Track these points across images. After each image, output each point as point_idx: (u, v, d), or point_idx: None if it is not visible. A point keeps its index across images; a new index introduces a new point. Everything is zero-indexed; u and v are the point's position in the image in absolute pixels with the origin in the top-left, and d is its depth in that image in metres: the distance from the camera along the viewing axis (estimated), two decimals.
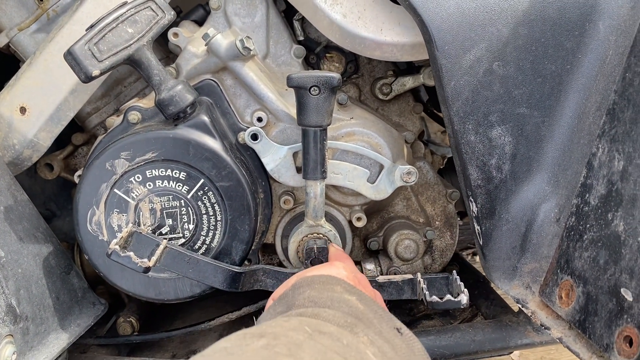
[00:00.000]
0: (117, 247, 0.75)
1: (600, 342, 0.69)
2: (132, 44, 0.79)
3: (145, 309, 1.15)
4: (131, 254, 0.75)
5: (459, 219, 1.21)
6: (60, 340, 0.90)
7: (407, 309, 1.14)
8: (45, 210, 1.38)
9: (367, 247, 1.07)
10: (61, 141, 1.15)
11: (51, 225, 1.33)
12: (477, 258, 2.04)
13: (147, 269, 0.76)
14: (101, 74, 0.78)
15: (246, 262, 0.95)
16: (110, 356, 1.02)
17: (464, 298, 0.79)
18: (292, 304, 0.62)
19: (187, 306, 1.23)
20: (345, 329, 0.55)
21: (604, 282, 0.70)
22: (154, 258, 0.77)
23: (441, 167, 1.30)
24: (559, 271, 0.80)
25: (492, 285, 1.15)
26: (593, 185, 0.77)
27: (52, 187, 1.36)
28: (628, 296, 0.66)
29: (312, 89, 0.82)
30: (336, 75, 0.82)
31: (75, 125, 1.12)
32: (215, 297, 1.25)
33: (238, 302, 1.04)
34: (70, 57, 0.76)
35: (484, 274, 1.20)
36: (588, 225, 0.76)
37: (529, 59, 0.83)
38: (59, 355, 0.91)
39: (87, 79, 0.77)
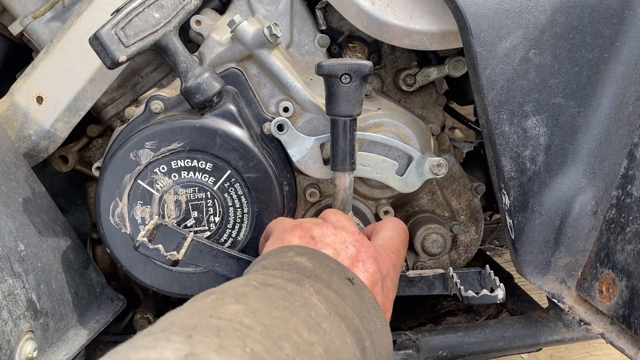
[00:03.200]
0: (144, 239, 0.73)
1: None
2: (159, 29, 0.76)
3: (162, 305, 1.12)
4: (160, 246, 0.72)
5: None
6: (80, 336, 0.87)
7: (429, 305, 1.12)
8: None
9: None
10: (75, 133, 1.13)
11: None
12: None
13: (175, 262, 0.73)
14: (128, 59, 0.75)
15: None
16: None
17: (500, 293, 0.76)
18: (245, 274, 0.65)
19: None
20: (292, 282, 0.58)
21: None
22: (182, 251, 0.74)
23: (460, 161, 1.28)
24: (598, 265, 0.77)
25: (517, 280, 1.13)
26: (636, 176, 0.75)
27: (61, 181, 1.33)
28: None
29: (343, 77, 0.79)
30: (368, 63, 0.80)
31: (90, 117, 1.09)
32: None
33: None
34: (96, 41, 0.73)
35: (507, 270, 1.18)
36: (631, 218, 0.73)
37: (565, 47, 0.81)
38: (78, 353, 0.88)
39: (114, 64, 0.74)
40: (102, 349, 1.03)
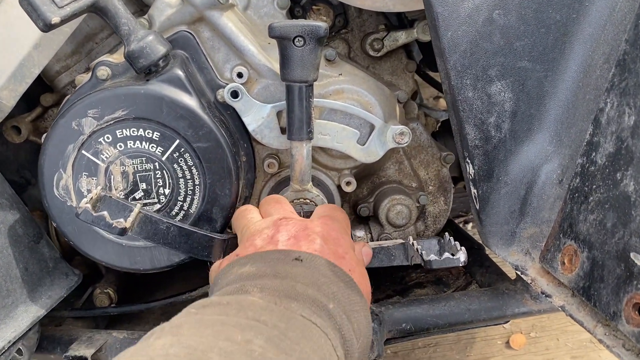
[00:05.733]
0: (88, 205, 0.69)
1: (607, 310, 0.64)
2: None
3: (124, 280, 1.09)
4: (105, 213, 0.69)
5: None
6: (30, 313, 0.84)
7: (398, 278, 1.09)
8: (19, 178, 1.31)
9: (357, 214, 1.01)
10: (32, 103, 1.08)
11: (26, 193, 1.27)
12: (469, 226, 2.00)
13: (123, 230, 0.70)
14: (62, 22, 0.70)
15: (228, 230, 0.89)
16: (87, 329, 0.97)
17: (462, 255, 0.74)
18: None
19: (169, 277, 1.17)
20: (231, 294, 0.58)
21: (611, 247, 0.65)
22: (130, 219, 0.71)
23: (435, 130, 1.24)
24: (561, 236, 0.75)
25: (487, 252, 1.11)
26: (600, 142, 0.71)
27: (26, 153, 1.28)
28: (638, 261, 0.61)
29: (297, 39, 0.75)
30: (322, 25, 0.75)
31: (45, 86, 1.04)
32: (198, 267, 1.20)
33: None
34: (25, 2, 0.68)
35: (478, 240, 1.15)
36: (594, 186, 0.70)
37: (532, 7, 0.77)
38: (29, 329, 0.86)
39: (46, 27, 0.69)
40: (61, 324, 1.01)
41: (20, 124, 1.03)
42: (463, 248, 0.75)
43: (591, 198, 0.70)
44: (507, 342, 1.79)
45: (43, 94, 1.04)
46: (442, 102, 2.29)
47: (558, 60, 0.78)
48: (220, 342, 0.47)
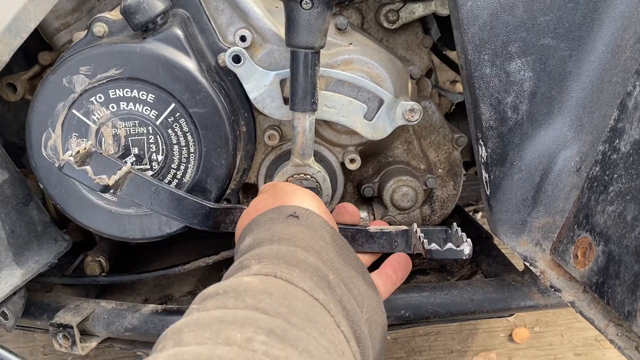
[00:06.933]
0: (71, 158, 0.65)
1: (621, 308, 0.59)
2: None
3: (118, 249, 1.06)
4: (87, 167, 0.65)
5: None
6: (14, 277, 0.81)
7: None
8: (19, 140, 1.28)
9: (361, 194, 0.97)
10: (33, 62, 1.05)
11: (25, 156, 1.24)
12: (479, 215, 1.95)
13: (105, 188, 0.66)
14: None
15: (224, 203, 0.85)
16: (76, 297, 0.94)
17: (466, 248, 0.69)
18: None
19: (164, 249, 1.14)
20: (228, 277, 0.55)
21: (630, 241, 0.60)
22: (114, 177, 0.67)
23: (448, 112, 1.19)
24: (575, 227, 0.70)
25: (496, 242, 1.06)
26: (625, 129, 0.66)
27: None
28: None
29: (304, 1, 0.70)
30: None
31: (45, 44, 1.00)
32: (194, 241, 1.17)
33: (218, 247, 0.96)
34: None
35: (487, 229, 1.11)
36: (615, 176, 0.65)
37: None
38: (14, 293, 0.83)
39: None
40: (50, 291, 0.98)
41: (16, 81, 0.99)
42: (469, 240, 0.70)
43: (611, 188, 0.65)
44: (510, 335, 1.76)
45: (41, 52, 1.00)
46: (459, 87, 2.23)
47: (585, 39, 0.73)
48: (219, 348, 0.43)
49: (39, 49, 1.01)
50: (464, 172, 1.16)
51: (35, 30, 0.85)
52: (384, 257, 0.79)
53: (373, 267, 0.87)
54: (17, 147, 1.26)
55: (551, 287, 0.71)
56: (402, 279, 0.78)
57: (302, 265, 0.54)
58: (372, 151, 0.95)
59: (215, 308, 0.48)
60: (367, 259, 0.81)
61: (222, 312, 0.47)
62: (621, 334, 0.60)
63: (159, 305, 0.88)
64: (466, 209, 2.02)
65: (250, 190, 0.94)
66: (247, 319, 0.45)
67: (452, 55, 1.46)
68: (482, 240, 1.05)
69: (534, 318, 1.79)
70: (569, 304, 0.67)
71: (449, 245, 0.70)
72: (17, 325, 0.92)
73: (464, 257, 0.70)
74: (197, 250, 1.12)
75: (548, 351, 1.75)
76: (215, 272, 1.08)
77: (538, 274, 0.73)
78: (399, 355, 1.71)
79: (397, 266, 0.77)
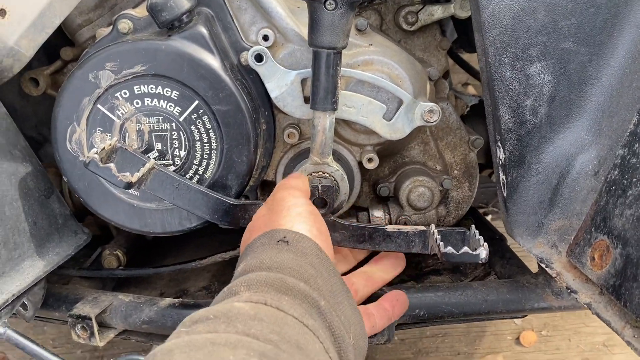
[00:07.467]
0: (96, 155, 0.66)
1: (638, 310, 0.60)
2: None
3: (135, 243, 1.07)
4: (112, 165, 0.66)
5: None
6: (36, 268, 0.83)
7: (414, 263, 1.06)
8: (37, 134, 1.30)
9: (377, 193, 0.97)
10: (53, 57, 1.06)
11: (42, 150, 1.26)
12: (489, 218, 1.95)
13: (128, 185, 0.67)
14: None
15: (243, 199, 0.86)
16: (94, 290, 0.95)
17: (483, 252, 0.70)
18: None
19: (181, 244, 1.16)
20: (218, 303, 0.55)
21: None
22: (137, 174, 0.68)
23: (463, 114, 1.19)
24: (593, 230, 0.70)
25: (510, 244, 1.06)
26: None
27: (45, 110, 1.27)
28: None
29: (328, 2, 0.70)
30: None
31: (67, 40, 1.02)
32: (211, 236, 1.18)
33: (234, 243, 0.97)
34: None
35: (501, 231, 1.11)
36: (635, 180, 0.66)
37: None
38: (35, 284, 0.84)
39: None
40: (68, 283, 1.00)
41: (39, 76, 1.00)
42: (486, 244, 0.70)
43: (630, 192, 0.66)
44: (517, 339, 1.76)
45: (63, 48, 1.02)
46: (471, 89, 2.24)
47: (605, 44, 0.73)
48: None
49: (59, 45, 1.02)
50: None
51: (57, 27, 0.87)
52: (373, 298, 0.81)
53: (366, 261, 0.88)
54: (34, 141, 1.27)
55: (567, 288, 0.71)
56: (398, 315, 0.80)
57: (291, 292, 0.55)
58: (389, 151, 0.96)
59: (206, 332, 0.48)
60: (359, 257, 0.82)
61: (214, 336, 0.47)
62: (638, 335, 0.61)
63: (176, 299, 0.89)
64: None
65: (268, 188, 0.95)
66: (239, 342, 0.46)
67: (466, 57, 1.47)
68: (495, 242, 1.05)
69: (542, 322, 1.79)
70: (585, 306, 0.68)
71: (465, 249, 0.71)
72: (35, 317, 0.93)
73: (480, 262, 0.71)
74: (212, 246, 1.13)
75: (555, 355, 1.75)
76: (230, 268, 1.08)
77: (554, 275, 0.74)
78: (406, 356, 1.72)
79: (395, 302, 0.80)
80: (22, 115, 1.25)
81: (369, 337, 0.82)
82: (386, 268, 0.83)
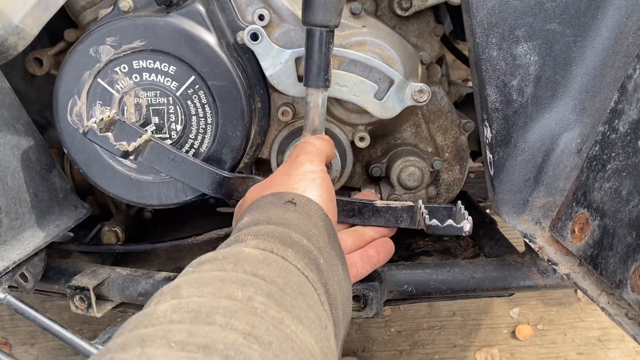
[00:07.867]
0: (94, 125, 0.69)
1: (613, 278, 0.62)
2: None
3: (133, 222, 1.10)
4: (109, 134, 0.69)
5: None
6: (36, 238, 0.85)
7: (405, 244, 1.08)
8: (40, 118, 1.32)
9: (369, 174, 1.00)
10: (57, 40, 1.09)
11: (46, 133, 1.29)
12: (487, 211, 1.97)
13: (125, 154, 0.70)
14: None
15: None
16: (92, 264, 0.98)
17: (466, 225, 0.72)
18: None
19: (178, 223, 1.18)
20: (226, 246, 0.57)
21: (624, 215, 0.63)
22: (134, 144, 0.71)
23: (458, 101, 1.22)
24: (574, 204, 0.72)
25: (499, 226, 1.09)
26: (624, 110, 0.68)
27: (49, 94, 1.30)
28: None
29: None
30: None
31: (71, 22, 1.05)
32: (208, 217, 1.20)
33: (230, 223, 0.99)
34: None
35: (491, 215, 1.13)
36: (613, 154, 0.68)
37: None
38: (35, 255, 0.87)
39: None
40: (67, 258, 1.02)
41: (43, 56, 1.03)
42: (470, 218, 0.73)
43: (609, 166, 0.68)
44: (513, 332, 1.78)
45: (67, 29, 1.04)
46: (470, 84, 2.26)
47: (589, 25, 0.76)
48: (222, 300, 0.45)
49: (62, 28, 1.05)
50: (472, 162, 1.19)
51: (60, 9, 0.90)
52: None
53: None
54: (38, 125, 1.30)
55: (548, 261, 0.73)
56: (383, 261, 0.80)
57: (295, 246, 0.57)
58: (381, 132, 0.98)
59: (214, 270, 0.50)
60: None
61: (223, 273, 0.49)
62: (612, 302, 0.63)
63: (172, 273, 0.92)
64: None
65: (263, 166, 0.98)
66: (248, 281, 0.48)
67: (464, 48, 1.49)
68: (485, 224, 1.08)
69: (538, 316, 1.81)
70: (564, 276, 0.70)
71: (450, 221, 0.73)
72: (35, 290, 0.96)
73: (464, 234, 0.73)
74: (209, 227, 1.16)
75: (550, 349, 1.77)
76: None
77: (536, 249, 0.76)
78: (402, 348, 1.74)
79: (380, 249, 0.80)
80: (26, 99, 1.27)
81: (358, 311, 0.85)
82: (377, 229, 0.84)
